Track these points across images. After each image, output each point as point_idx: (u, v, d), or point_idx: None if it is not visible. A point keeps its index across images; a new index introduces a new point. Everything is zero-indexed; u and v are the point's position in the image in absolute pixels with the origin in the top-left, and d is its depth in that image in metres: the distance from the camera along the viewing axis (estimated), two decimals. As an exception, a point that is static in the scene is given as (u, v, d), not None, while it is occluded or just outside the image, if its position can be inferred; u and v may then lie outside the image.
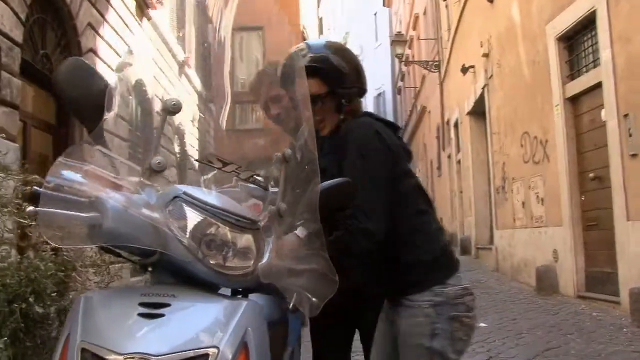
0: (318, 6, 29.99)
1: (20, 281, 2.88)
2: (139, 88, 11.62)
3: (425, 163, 24.25)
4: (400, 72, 30.61)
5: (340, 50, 2.31)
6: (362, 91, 2.33)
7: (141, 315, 1.35)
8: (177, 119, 15.05)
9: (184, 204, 1.49)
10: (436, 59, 18.42)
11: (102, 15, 8.80)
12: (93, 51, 8.35)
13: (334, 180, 1.86)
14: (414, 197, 2.18)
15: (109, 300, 1.45)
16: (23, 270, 2.93)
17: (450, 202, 17.93)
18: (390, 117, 36.47)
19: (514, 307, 7.54)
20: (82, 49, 7.94)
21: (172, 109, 1.59)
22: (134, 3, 10.54)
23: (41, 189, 1.34)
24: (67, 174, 1.40)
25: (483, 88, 11.88)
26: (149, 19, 11.53)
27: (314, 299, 1.60)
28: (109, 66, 9.06)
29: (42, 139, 7.24)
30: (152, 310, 1.36)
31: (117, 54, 9.47)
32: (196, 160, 1.76)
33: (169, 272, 1.50)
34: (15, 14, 5.92)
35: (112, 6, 9.23)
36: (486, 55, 11.38)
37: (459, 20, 14.44)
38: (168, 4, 13.78)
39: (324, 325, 2.51)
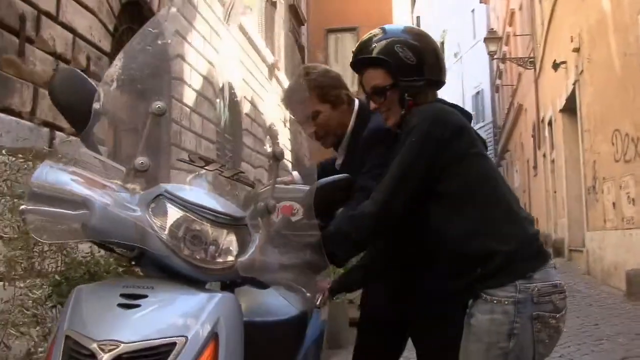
0: (413, 5, 29.75)
1: (83, 275, 3.11)
2: (227, 91, 12.01)
3: (522, 162, 23.59)
4: (498, 70, 29.86)
5: (418, 35, 2.15)
6: (433, 83, 2.13)
7: (120, 305, 1.44)
8: (269, 120, 15.31)
9: (166, 202, 1.57)
10: (531, 55, 17.87)
11: (190, 23, 9.17)
12: (181, 57, 8.72)
13: (332, 177, 1.92)
14: (492, 180, 2.02)
15: (95, 292, 1.56)
16: (85, 264, 3.17)
17: (546, 202, 17.36)
18: (488, 117, 35.64)
19: (598, 312, 7.24)
20: (170, 54, 8.31)
21: (157, 111, 1.67)
22: (221, 9, 10.93)
23: (32, 188, 1.46)
24: (55, 174, 1.50)
25: (574, 84, 11.44)
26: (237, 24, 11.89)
27: (308, 293, 1.67)
28: (197, 71, 9.46)
29: (132, 140, 7.67)
30: (130, 301, 1.45)
31: (205, 58, 9.87)
32: (178, 160, 1.84)
33: (156, 266, 1.59)
34: (104, 25, 6.32)
35: (199, 13, 9.60)
36: (577, 50, 10.94)
37: (551, 15, 13.97)
38: (256, 8, 14.11)
39: (368, 329, 2.46)
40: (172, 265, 1.55)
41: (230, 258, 1.59)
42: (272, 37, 16.09)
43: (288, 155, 2.53)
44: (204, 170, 1.79)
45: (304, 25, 20.67)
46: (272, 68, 15.33)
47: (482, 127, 35.85)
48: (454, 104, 2.17)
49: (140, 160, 1.61)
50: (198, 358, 1.41)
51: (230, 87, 11.63)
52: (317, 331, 2.26)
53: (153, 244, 1.52)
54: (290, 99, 2.59)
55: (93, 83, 1.71)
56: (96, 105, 1.65)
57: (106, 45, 6.36)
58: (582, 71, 10.85)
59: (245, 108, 12.71)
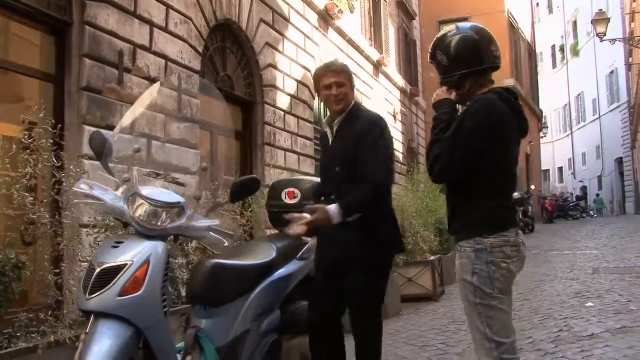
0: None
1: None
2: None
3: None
4: (629, 48, 28.54)
5: (474, 30, 2.81)
6: (477, 72, 2.77)
7: (112, 247, 2.77)
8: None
9: (136, 196, 2.88)
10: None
11: (281, 33, 10.19)
12: (272, 66, 9.76)
13: (245, 176, 3.17)
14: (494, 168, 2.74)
15: (107, 241, 2.99)
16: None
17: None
18: (623, 97, 33.97)
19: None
20: (261, 65, 9.36)
21: (107, 153, 2.98)
22: (316, 16, 11.85)
23: (78, 189, 2.86)
24: (84, 186, 2.87)
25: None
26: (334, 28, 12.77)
27: (225, 243, 2.95)
28: (289, 76, 10.45)
29: (227, 144, 8.85)
30: (116, 244, 2.77)
31: (299, 64, 10.86)
32: (143, 174, 3.14)
33: (132, 228, 2.89)
34: (194, 48, 7.52)
35: (291, 23, 10.59)
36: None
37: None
38: (358, 8, 14.79)
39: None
40: (135, 227, 2.85)
41: (164, 224, 2.87)
42: (379, 34, 16.68)
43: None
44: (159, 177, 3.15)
45: (414, 19, 21.13)
46: (377, 65, 15.98)
47: (616, 108, 34.27)
48: (498, 91, 2.78)
49: (125, 176, 2.94)
50: (137, 272, 2.66)
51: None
52: (280, 276, 3.52)
53: (127, 217, 2.85)
54: (330, 68, 3.66)
55: (105, 134, 3.05)
56: (112, 148, 2.97)
57: (196, 64, 7.51)
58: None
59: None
